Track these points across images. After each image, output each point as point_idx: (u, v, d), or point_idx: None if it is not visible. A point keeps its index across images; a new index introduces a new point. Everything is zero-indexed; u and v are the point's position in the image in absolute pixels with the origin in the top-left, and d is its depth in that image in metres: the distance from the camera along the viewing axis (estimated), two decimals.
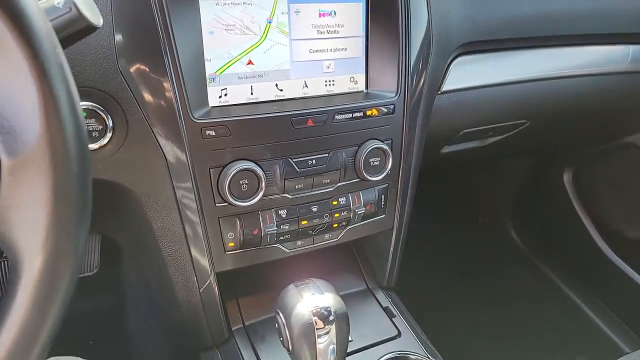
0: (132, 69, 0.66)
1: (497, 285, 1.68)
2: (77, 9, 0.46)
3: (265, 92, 0.77)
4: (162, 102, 0.67)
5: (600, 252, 1.53)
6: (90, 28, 0.47)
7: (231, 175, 0.70)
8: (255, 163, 0.73)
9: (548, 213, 1.71)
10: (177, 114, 0.67)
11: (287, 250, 0.81)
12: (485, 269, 1.73)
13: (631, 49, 1.16)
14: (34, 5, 0.35)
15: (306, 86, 0.80)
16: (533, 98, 1.07)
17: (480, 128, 1.08)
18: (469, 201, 1.83)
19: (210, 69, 0.72)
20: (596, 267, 1.55)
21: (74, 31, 0.47)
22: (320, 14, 0.78)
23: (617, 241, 1.51)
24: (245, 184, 0.72)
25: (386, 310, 0.94)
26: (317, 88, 0.81)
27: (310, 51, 0.79)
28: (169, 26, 0.65)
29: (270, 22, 0.75)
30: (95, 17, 0.48)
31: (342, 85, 0.83)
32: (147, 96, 0.66)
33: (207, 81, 0.72)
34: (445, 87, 0.94)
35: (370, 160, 0.81)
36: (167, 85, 0.66)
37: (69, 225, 0.37)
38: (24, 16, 0.34)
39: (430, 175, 1.15)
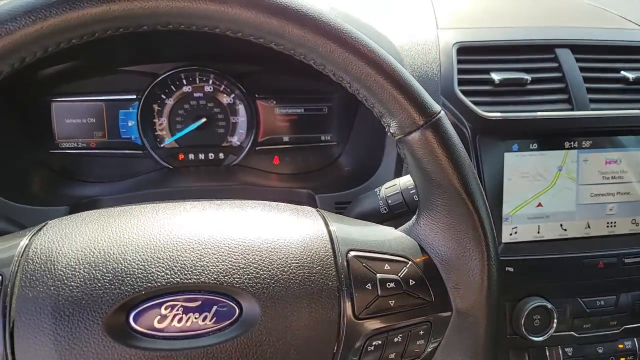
0: None
1: None
2: None
3: (550, 231, 0.83)
4: None
5: None
6: None
7: (527, 310, 0.75)
8: (547, 300, 0.77)
9: None
10: None
11: None
12: None
13: None
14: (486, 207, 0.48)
15: (588, 227, 0.84)
16: None
17: None
18: None
19: (505, 209, 0.81)
20: None
21: None
22: (606, 161, 0.83)
23: None
24: (538, 319, 0.76)
25: None
26: (599, 229, 0.84)
27: (595, 195, 0.84)
28: (482, 174, 0.77)
29: (560, 170, 0.82)
30: None
31: (624, 226, 0.85)
32: None
33: (502, 220, 0.81)
34: None
35: None
36: None
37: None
38: (486, 222, 0.46)
39: None
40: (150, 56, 0.86)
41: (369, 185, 0.77)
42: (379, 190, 0.65)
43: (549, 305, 0.76)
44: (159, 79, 0.87)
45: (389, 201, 0.64)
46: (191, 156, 0.91)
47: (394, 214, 0.64)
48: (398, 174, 0.77)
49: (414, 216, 0.51)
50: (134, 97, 0.87)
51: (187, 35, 0.86)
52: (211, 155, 0.91)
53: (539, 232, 0.83)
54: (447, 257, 0.47)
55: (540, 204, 0.82)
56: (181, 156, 0.91)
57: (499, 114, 0.78)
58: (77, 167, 0.87)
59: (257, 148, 0.92)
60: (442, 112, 0.46)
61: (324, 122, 0.94)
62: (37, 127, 0.85)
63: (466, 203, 0.46)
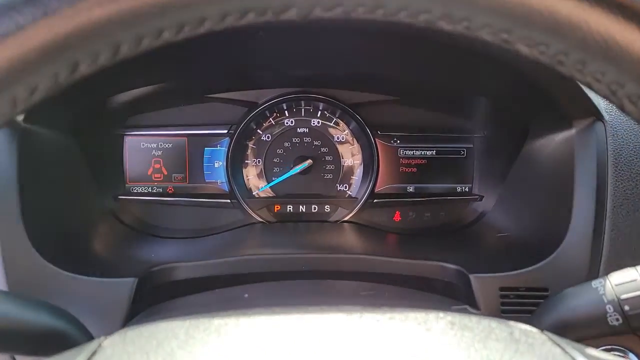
0: None
1: None
2: None
3: None
4: None
5: None
6: None
7: None
8: None
9: None
10: None
11: None
12: None
13: None
14: None
15: None
16: None
17: None
18: None
19: None
20: None
21: None
22: None
23: None
24: None
25: None
26: None
27: None
28: None
29: None
30: None
31: None
32: None
33: None
34: None
35: None
36: None
37: None
38: None
39: None
40: (247, 80, 0.68)
41: (552, 265, 0.53)
42: (602, 286, 0.41)
43: None
44: (258, 109, 0.68)
45: (626, 307, 0.40)
46: (290, 208, 0.71)
47: (632, 327, 0.40)
48: (597, 249, 0.53)
49: None
50: (224, 131, 0.69)
51: (293, 54, 0.69)
52: (315, 208, 0.71)
53: None
54: None
55: None
56: (277, 207, 0.71)
57: None
58: (150, 218, 0.70)
59: (374, 200, 0.71)
60: None
61: (461, 168, 0.72)
62: (106, 167, 0.68)
63: None
